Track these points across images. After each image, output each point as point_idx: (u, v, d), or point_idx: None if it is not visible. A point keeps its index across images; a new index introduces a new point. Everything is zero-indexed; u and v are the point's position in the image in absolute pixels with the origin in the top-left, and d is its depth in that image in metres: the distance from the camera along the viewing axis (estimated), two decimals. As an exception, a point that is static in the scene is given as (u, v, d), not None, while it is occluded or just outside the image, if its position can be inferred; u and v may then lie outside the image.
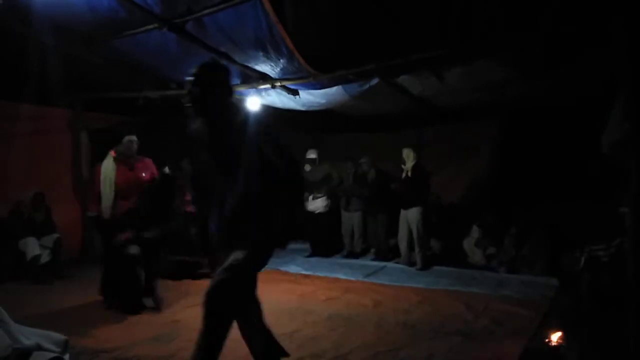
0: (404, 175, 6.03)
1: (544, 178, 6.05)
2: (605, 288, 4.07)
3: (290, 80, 4.84)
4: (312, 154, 6.87)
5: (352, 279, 5.41)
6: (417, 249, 5.93)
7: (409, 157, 6.01)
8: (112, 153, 4.69)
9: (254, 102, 5.76)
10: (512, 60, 4.12)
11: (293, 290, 4.90)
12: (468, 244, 6.20)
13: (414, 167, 5.96)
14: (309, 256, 6.80)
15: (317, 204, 6.70)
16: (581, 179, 5.62)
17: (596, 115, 3.44)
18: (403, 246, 6.13)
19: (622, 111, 2.91)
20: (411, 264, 6.03)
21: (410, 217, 5.93)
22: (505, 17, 3.38)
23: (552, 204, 5.73)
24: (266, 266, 5.71)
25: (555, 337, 3.46)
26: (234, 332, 3.55)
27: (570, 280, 4.71)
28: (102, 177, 4.59)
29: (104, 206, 4.56)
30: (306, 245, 7.07)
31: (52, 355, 2.71)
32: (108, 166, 4.62)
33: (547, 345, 3.36)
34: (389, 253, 6.55)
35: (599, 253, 4.41)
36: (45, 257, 5.20)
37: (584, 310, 4.10)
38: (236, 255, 2.24)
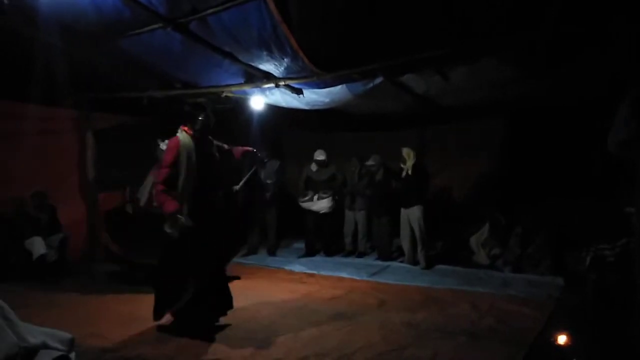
0: (404, 174, 6.05)
1: (549, 177, 6.03)
2: (611, 288, 4.05)
3: (294, 80, 4.84)
4: (320, 155, 6.85)
5: (357, 278, 5.41)
6: (419, 248, 5.93)
7: (409, 156, 6.02)
8: (183, 128, 3.68)
9: (257, 101, 5.76)
10: (515, 59, 4.10)
11: (297, 290, 4.91)
12: (476, 241, 6.18)
13: (414, 166, 5.97)
14: (302, 256, 6.75)
15: (321, 204, 6.68)
16: (586, 178, 5.61)
17: (601, 114, 3.43)
18: (406, 245, 6.13)
19: (628, 110, 2.89)
20: (415, 263, 6.03)
21: (411, 216, 5.94)
22: (508, 16, 3.36)
23: (557, 203, 5.71)
24: (271, 265, 5.76)
25: (560, 337, 3.45)
26: (239, 331, 3.57)
27: (575, 280, 4.69)
28: (180, 155, 3.49)
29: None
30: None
31: (58, 353, 2.74)
32: (186, 141, 3.57)
33: (553, 345, 3.35)
34: (393, 252, 6.54)
35: (605, 252, 4.40)
36: (51, 257, 5.24)
37: (589, 310, 4.09)
38: None
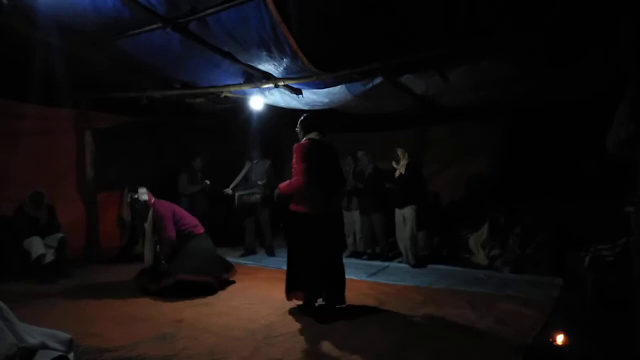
0: (397, 174, 6.03)
1: (548, 177, 6.03)
2: (610, 288, 4.05)
3: (294, 80, 4.84)
4: None
5: (356, 278, 5.39)
6: (409, 246, 5.92)
7: (403, 156, 6.01)
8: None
9: (257, 102, 5.76)
10: (516, 59, 4.11)
11: (297, 290, 4.89)
12: (475, 241, 6.18)
13: (407, 166, 5.96)
14: None
15: None
16: (585, 178, 5.62)
17: (600, 114, 3.43)
18: (403, 246, 6.11)
19: (627, 110, 2.90)
20: (413, 262, 6.02)
21: (406, 216, 5.92)
22: (511, 16, 3.36)
23: (556, 203, 5.72)
24: (270, 266, 5.71)
25: (559, 337, 3.45)
26: (238, 331, 3.57)
27: (575, 280, 4.69)
28: None
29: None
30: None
31: (57, 354, 2.73)
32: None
33: (552, 345, 3.35)
34: (389, 252, 6.52)
35: (604, 253, 4.40)
36: (49, 257, 5.22)
37: (588, 310, 4.09)
38: None
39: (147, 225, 4.73)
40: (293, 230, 4.11)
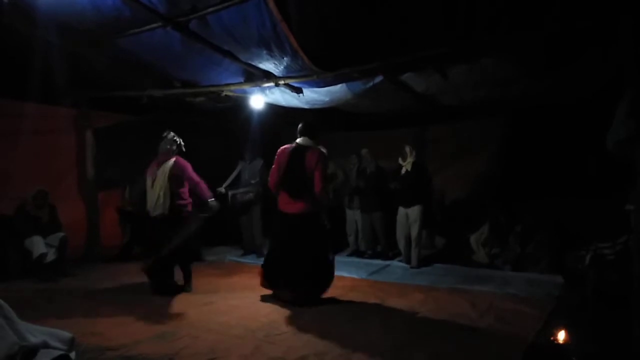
0: (403, 171, 5.99)
1: (549, 176, 6.03)
2: (611, 286, 4.06)
3: (294, 79, 4.84)
4: None
5: (356, 277, 5.41)
6: (413, 246, 5.89)
7: (411, 154, 5.96)
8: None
9: (257, 100, 5.76)
10: (516, 59, 4.10)
11: (297, 288, 4.90)
12: (475, 240, 6.17)
13: (413, 164, 5.92)
14: None
15: None
16: (585, 176, 5.62)
17: (600, 113, 3.43)
18: (402, 245, 6.09)
19: (627, 109, 2.90)
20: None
21: (410, 215, 5.88)
22: (511, 15, 3.36)
23: (557, 201, 5.72)
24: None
25: (560, 335, 3.45)
26: (239, 330, 3.58)
27: (575, 278, 4.70)
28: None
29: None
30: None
31: (59, 352, 2.74)
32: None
33: (552, 343, 3.35)
34: (390, 251, 6.51)
35: (605, 251, 4.40)
36: (50, 256, 5.23)
37: (589, 308, 4.10)
38: None
39: (160, 172, 4.66)
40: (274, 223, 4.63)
